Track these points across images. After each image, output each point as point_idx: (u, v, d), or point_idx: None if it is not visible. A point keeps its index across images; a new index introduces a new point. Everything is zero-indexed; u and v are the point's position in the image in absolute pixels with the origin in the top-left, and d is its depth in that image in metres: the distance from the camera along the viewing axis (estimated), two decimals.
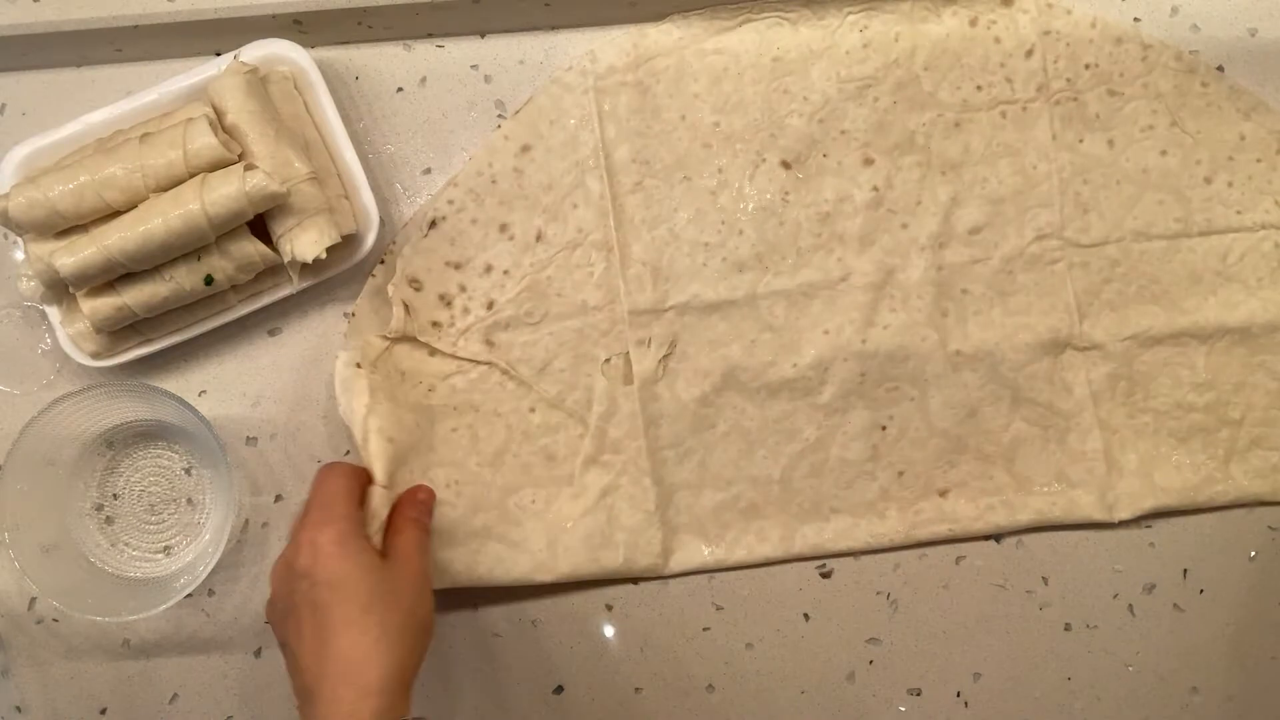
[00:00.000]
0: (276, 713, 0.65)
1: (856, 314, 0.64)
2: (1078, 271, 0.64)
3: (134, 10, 0.61)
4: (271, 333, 0.65)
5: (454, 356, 0.63)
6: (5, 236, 0.65)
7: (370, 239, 0.62)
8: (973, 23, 0.64)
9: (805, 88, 0.64)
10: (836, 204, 0.64)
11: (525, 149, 0.64)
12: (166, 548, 0.65)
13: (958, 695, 0.64)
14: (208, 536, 0.64)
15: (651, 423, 0.64)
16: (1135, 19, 0.65)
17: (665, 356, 0.64)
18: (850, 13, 0.64)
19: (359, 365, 0.61)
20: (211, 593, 0.65)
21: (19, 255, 0.65)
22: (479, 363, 0.64)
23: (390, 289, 0.63)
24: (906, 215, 0.64)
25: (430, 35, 0.66)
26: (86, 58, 0.65)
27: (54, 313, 0.62)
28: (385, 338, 0.63)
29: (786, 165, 0.64)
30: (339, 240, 0.59)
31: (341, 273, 0.63)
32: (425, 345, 0.63)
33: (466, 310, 0.63)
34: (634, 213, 0.64)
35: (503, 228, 0.64)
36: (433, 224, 0.63)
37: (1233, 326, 0.64)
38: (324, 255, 0.58)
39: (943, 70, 0.64)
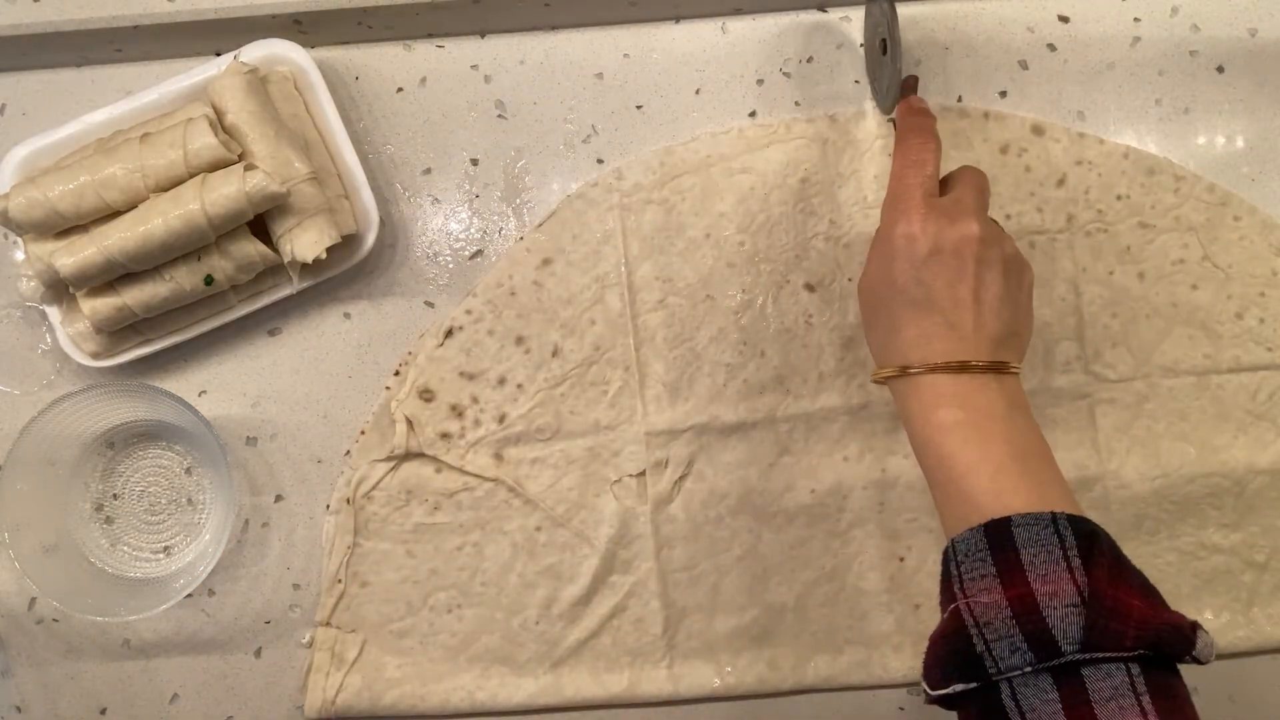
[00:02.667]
0: (276, 713, 0.65)
1: (877, 441, 0.63)
2: (1105, 407, 0.63)
3: (134, 10, 0.61)
4: (271, 333, 0.65)
5: (461, 471, 0.63)
6: (5, 236, 0.65)
7: (370, 239, 0.62)
8: (1003, 150, 0.63)
9: (832, 210, 0.63)
10: (859, 329, 0.62)
11: (546, 262, 0.63)
12: (166, 548, 0.65)
13: None
14: (208, 536, 0.64)
15: (664, 544, 0.63)
16: (1135, 19, 0.65)
17: (681, 477, 0.63)
18: (879, 137, 0.63)
19: (349, 501, 0.63)
20: (211, 593, 0.65)
21: (19, 255, 0.65)
22: (486, 479, 0.63)
23: (393, 405, 0.63)
24: None
25: (430, 35, 0.66)
26: (86, 58, 0.65)
27: (54, 313, 0.62)
28: (390, 457, 0.63)
29: (811, 288, 0.63)
30: (339, 240, 0.59)
31: (341, 273, 0.63)
32: (432, 461, 0.63)
33: (478, 423, 0.63)
34: (655, 331, 0.63)
35: (519, 340, 0.63)
36: (449, 333, 0.63)
37: (1263, 467, 0.62)
38: (324, 255, 0.59)
39: None
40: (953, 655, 0.42)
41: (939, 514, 0.48)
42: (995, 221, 0.52)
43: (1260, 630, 0.63)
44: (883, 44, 0.58)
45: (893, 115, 0.62)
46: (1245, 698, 0.64)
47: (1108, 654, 0.40)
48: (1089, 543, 0.42)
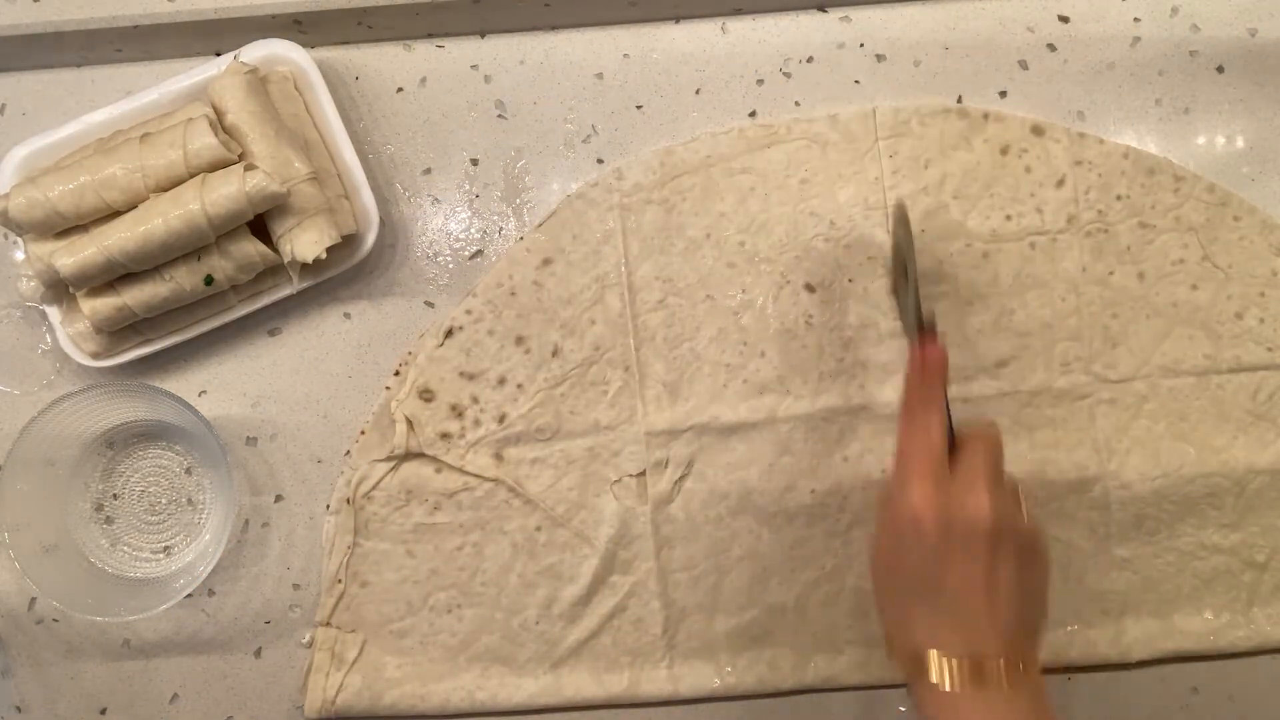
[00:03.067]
0: (276, 713, 0.65)
1: (876, 442, 0.63)
2: (1106, 407, 0.63)
3: (134, 10, 0.61)
4: (271, 333, 0.65)
5: (461, 471, 0.63)
6: (5, 236, 0.65)
7: (370, 239, 0.62)
8: (1004, 151, 0.63)
9: (832, 211, 0.63)
10: (860, 330, 0.63)
11: (546, 262, 0.63)
12: (166, 548, 0.65)
13: None
14: (208, 536, 0.64)
15: (664, 544, 0.63)
16: (1135, 19, 0.65)
17: (681, 478, 0.63)
18: (880, 138, 0.63)
19: (349, 501, 0.63)
20: (211, 593, 0.65)
21: (19, 255, 0.65)
22: (486, 479, 0.63)
23: (394, 405, 0.63)
24: None
25: (430, 35, 0.66)
26: (86, 58, 0.65)
27: (54, 313, 0.62)
28: (390, 457, 0.63)
29: (811, 288, 0.63)
30: (339, 240, 0.59)
31: (341, 273, 0.63)
32: (432, 461, 0.63)
33: (478, 423, 0.63)
34: (655, 331, 0.63)
35: (519, 340, 0.63)
36: (449, 333, 0.63)
37: (1262, 467, 0.62)
38: (324, 255, 0.59)
39: (972, 199, 0.63)
40: None
41: None
42: (1012, 490, 0.50)
43: (1260, 630, 0.63)
44: (904, 268, 0.58)
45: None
46: (1245, 698, 0.64)
47: None
48: None
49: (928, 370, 0.52)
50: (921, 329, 0.54)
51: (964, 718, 0.46)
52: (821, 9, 0.66)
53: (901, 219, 0.58)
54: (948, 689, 0.46)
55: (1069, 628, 0.63)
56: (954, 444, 0.51)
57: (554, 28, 0.66)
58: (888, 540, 0.50)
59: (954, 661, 0.46)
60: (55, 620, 0.65)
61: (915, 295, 0.56)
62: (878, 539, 0.51)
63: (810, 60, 0.65)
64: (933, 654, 0.47)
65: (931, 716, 0.47)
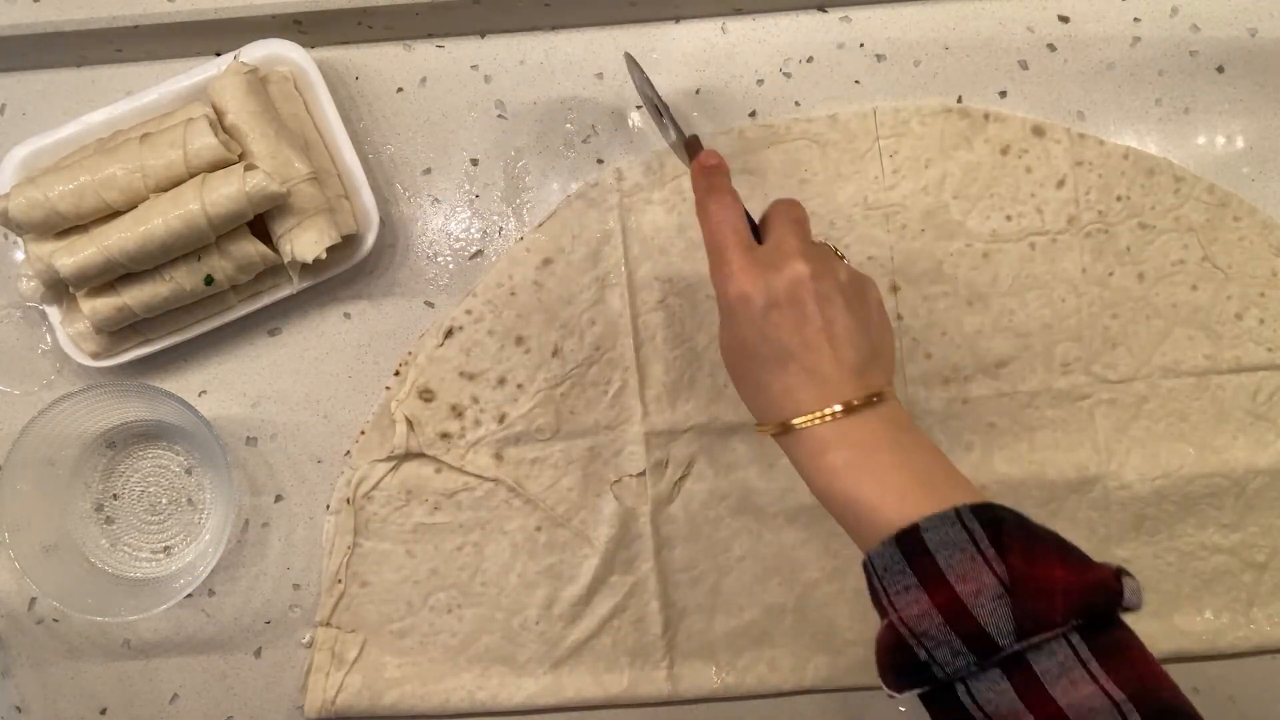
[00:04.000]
0: (276, 713, 0.65)
1: None
2: (1106, 408, 0.63)
3: (134, 10, 0.61)
4: (271, 333, 0.65)
5: (461, 471, 0.63)
6: (5, 236, 0.65)
7: (370, 239, 0.62)
8: (1004, 151, 0.63)
9: (831, 211, 0.63)
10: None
11: (547, 262, 0.63)
12: (166, 548, 0.65)
13: None
14: (208, 536, 0.64)
15: (664, 545, 0.63)
16: (1135, 19, 0.65)
17: (681, 478, 0.63)
18: (880, 138, 0.63)
19: (349, 501, 0.63)
20: (211, 593, 0.65)
21: (19, 255, 0.65)
22: (486, 479, 0.63)
23: (394, 405, 0.63)
24: (931, 345, 0.63)
25: (430, 35, 0.66)
26: (86, 58, 0.65)
27: (54, 313, 0.62)
28: (390, 457, 0.63)
29: None
30: (339, 240, 0.59)
31: (341, 273, 0.63)
32: (432, 461, 0.63)
33: (478, 423, 0.63)
34: (655, 331, 0.63)
35: (519, 340, 0.63)
36: (449, 333, 0.63)
37: (1262, 467, 0.62)
38: (324, 255, 0.58)
39: (972, 199, 0.63)
40: (900, 664, 0.43)
41: (862, 550, 0.47)
42: (823, 246, 0.51)
43: (1260, 630, 0.63)
44: (655, 108, 0.58)
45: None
46: (1245, 698, 0.64)
47: (1044, 634, 0.40)
48: (997, 528, 0.42)
49: (708, 169, 0.53)
50: (691, 151, 0.54)
51: (835, 461, 0.46)
52: (821, 9, 0.66)
53: (631, 64, 0.58)
54: (816, 440, 0.47)
55: None
56: (758, 231, 0.52)
57: (554, 28, 0.66)
58: (725, 326, 0.50)
59: (814, 414, 0.47)
60: (55, 620, 0.65)
61: (674, 127, 0.56)
62: (720, 329, 0.51)
63: (810, 60, 0.65)
64: (791, 412, 0.47)
65: (807, 465, 0.48)
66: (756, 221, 0.52)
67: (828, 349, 0.48)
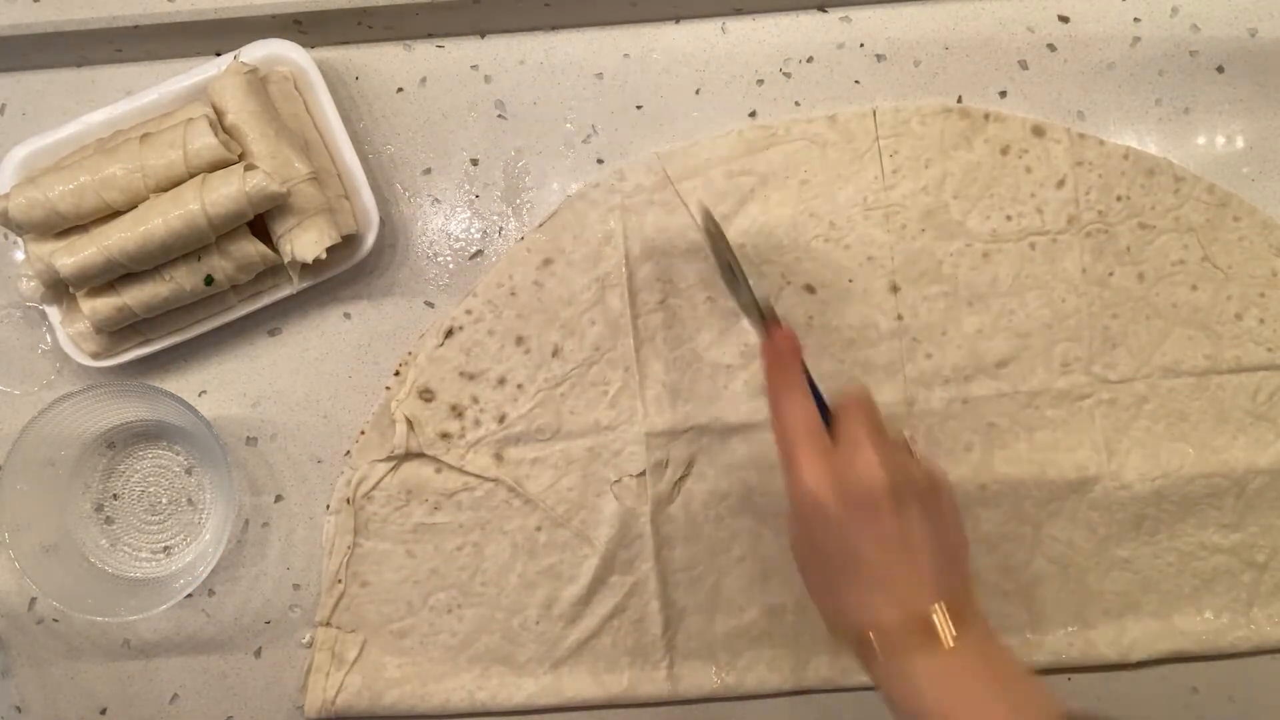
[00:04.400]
0: (276, 713, 0.65)
1: None
2: (1106, 408, 0.63)
3: (134, 10, 0.61)
4: (271, 333, 0.65)
5: (461, 471, 0.63)
6: (5, 236, 0.65)
7: (370, 239, 0.62)
8: (1004, 151, 0.63)
9: (832, 211, 0.63)
10: (860, 330, 0.63)
11: (547, 262, 0.63)
12: (166, 548, 0.65)
13: None
14: (208, 536, 0.64)
15: (664, 545, 0.63)
16: (1135, 19, 0.65)
17: (681, 478, 0.63)
18: (880, 138, 0.63)
19: (349, 501, 0.63)
20: (211, 593, 0.65)
21: (19, 255, 0.65)
22: (486, 479, 0.63)
23: (394, 405, 0.63)
24: (931, 345, 0.63)
25: (430, 35, 0.66)
26: (86, 58, 0.65)
27: (54, 313, 0.62)
28: (390, 457, 0.63)
29: (811, 289, 0.63)
30: (339, 240, 0.59)
31: (341, 273, 0.63)
32: (432, 461, 0.63)
33: (478, 423, 0.63)
34: (655, 331, 0.63)
35: (519, 340, 0.63)
36: (449, 333, 0.63)
37: (1262, 467, 0.62)
38: (324, 255, 0.59)
39: (972, 199, 0.63)
40: None
41: None
42: (897, 443, 0.50)
43: (1260, 630, 0.63)
44: (728, 266, 0.57)
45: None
46: (1245, 698, 0.64)
47: None
48: None
49: (781, 355, 0.51)
50: (764, 319, 0.53)
51: (920, 681, 0.45)
52: (821, 9, 0.66)
53: (708, 218, 0.57)
54: (897, 658, 0.45)
55: (1069, 628, 0.63)
56: (829, 418, 0.50)
57: (554, 28, 0.66)
58: (798, 530, 0.49)
59: (894, 630, 0.46)
60: (55, 620, 0.65)
61: (748, 289, 0.55)
62: (791, 533, 0.51)
63: (810, 60, 0.65)
64: (867, 621, 0.46)
65: (892, 691, 0.46)
66: (826, 400, 0.51)
67: (904, 559, 0.46)
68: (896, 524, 0.47)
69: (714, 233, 0.57)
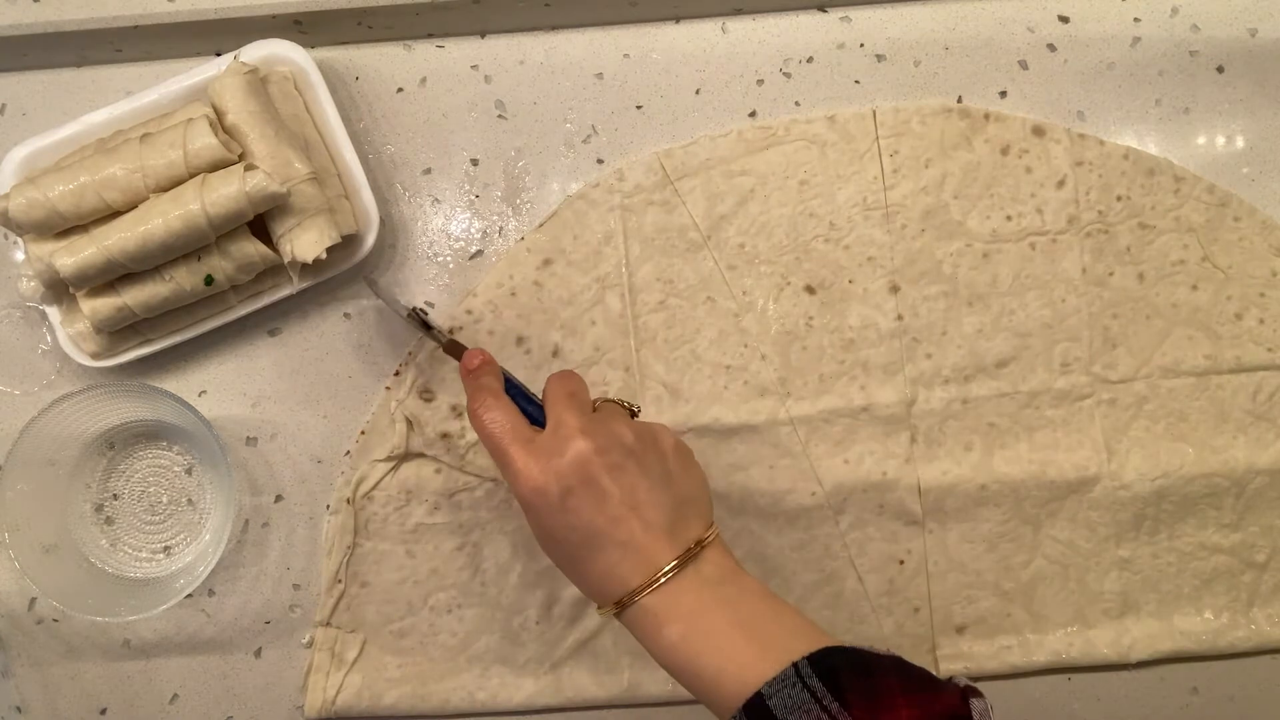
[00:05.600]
0: (276, 713, 0.65)
1: (877, 445, 0.63)
2: (1105, 408, 0.63)
3: (134, 10, 0.61)
4: (271, 333, 0.65)
5: (461, 471, 0.63)
6: (5, 236, 0.65)
7: (370, 239, 0.62)
8: (1004, 151, 0.63)
9: (831, 212, 0.63)
10: (860, 331, 0.63)
11: (547, 262, 0.63)
12: (166, 548, 0.65)
13: None
14: (208, 536, 0.64)
15: None
16: (1135, 19, 0.65)
17: None
18: (880, 137, 0.63)
19: (349, 501, 0.63)
20: (211, 593, 0.65)
21: (19, 255, 0.65)
22: (486, 479, 0.63)
23: (394, 405, 0.63)
24: (931, 345, 0.63)
25: (430, 35, 0.66)
26: (86, 58, 0.65)
27: (54, 313, 0.62)
28: (390, 457, 0.63)
29: (811, 290, 0.63)
30: (339, 240, 0.59)
31: (341, 273, 0.63)
32: (433, 461, 0.63)
33: None
34: (655, 332, 0.63)
35: (519, 341, 0.63)
36: (450, 333, 0.63)
37: (1262, 467, 0.63)
38: (324, 255, 0.58)
39: (972, 199, 0.63)
40: None
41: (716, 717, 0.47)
42: (606, 409, 0.51)
43: (1260, 630, 0.63)
44: (416, 319, 0.58)
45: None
46: (1245, 698, 0.64)
47: None
48: (834, 679, 0.42)
49: (473, 371, 0.53)
50: (454, 351, 0.56)
51: (669, 631, 0.46)
52: (821, 9, 0.66)
53: (372, 284, 0.61)
54: (649, 613, 0.46)
55: (1069, 628, 0.63)
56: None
57: (554, 28, 0.66)
58: (532, 525, 0.50)
59: (640, 590, 0.47)
60: (55, 620, 0.65)
61: (433, 334, 0.57)
62: (531, 529, 0.51)
63: (810, 60, 0.65)
64: (619, 590, 0.47)
65: (648, 644, 0.47)
66: (537, 399, 0.53)
67: (633, 518, 0.47)
68: (616, 487, 0.48)
69: (388, 295, 0.60)
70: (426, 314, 0.58)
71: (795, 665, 0.43)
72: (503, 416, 0.50)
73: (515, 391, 0.53)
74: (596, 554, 0.48)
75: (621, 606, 0.47)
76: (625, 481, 0.48)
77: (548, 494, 0.48)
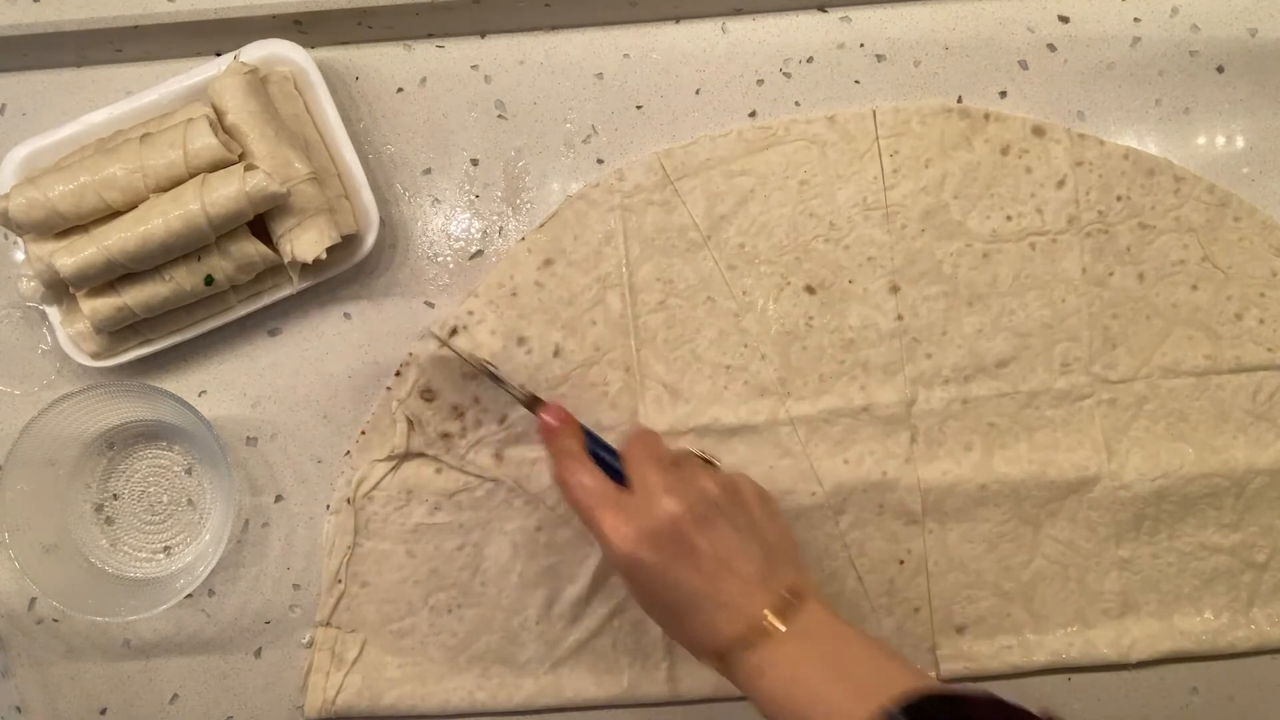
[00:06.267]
0: (276, 713, 0.65)
1: (877, 445, 0.63)
2: (1106, 408, 0.63)
3: (134, 10, 0.61)
4: (271, 333, 0.65)
5: (462, 471, 0.63)
6: (5, 236, 0.65)
7: (370, 239, 0.62)
8: (1004, 151, 0.63)
9: (831, 212, 0.63)
10: (860, 331, 0.63)
11: (548, 263, 0.63)
12: (166, 548, 0.65)
13: None
14: (208, 536, 0.64)
15: None
16: (1135, 19, 0.65)
17: None
18: (880, 137, 0.63)
19: (349, 501, 0.63)
20: (211, 593, 0.65)
21: (19, 255, 0.65)
22: (486, 479, 0.63)
23: (395, 405, 0.63)
24: (931, 345, 0.63)
25: (430, 35, 0.66)
26: (86, 58, 0.65)
27: (54, 313, 0.62)
28: (391, 457, 0.63)
29: (811, 290, 0.63)
30: (339, 240, 0.59)
31: (341, 273, 0.63)
32: (433, 461, 0.63)
33: (479, 423, 0.63)
34: (655, 332, 0.63)
35: (520, 341, 0.63)
36: (452, 333, 0.63)
37: (1262, 467, 0.62)
38: (324, 255, 0.59)
39: (972, 199, 0.63)
40: None
41: None
42: (684, 462, 0.52)
43: (1260, 630, 0.63)
44: (488, 374, 0.59)
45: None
46: (1245, 698, 0.64)
47: None
48: None
49: (553, 430, 0.55)
50: (532, 406, 0.57)
51: (766, 680, 0.47)
52: (821, 9, 0.66)
53: (441, 340, 0.62)
54: (746, 666, 0.47)
55: (1069, 628, 0.63)
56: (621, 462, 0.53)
57: (554, 28, 0.66)
58: (627, 584, 0.51)
59: (739, 643, 0.47)
60: (55, 620, 0.65)
61: (508, 388, 0.58)
62: (627, 586, 0.52)
63: (810, 60, 0.65)
64: (719, 645, 0.48)
65: (751, 694, 0.48)
66: (615, 448, 0.54)
67: (727, 574, 0.48)
68: (708, 544, 0.49)
69: (466, 353, 0.61)
70: (497, 369, 0.59)
71: (888, 712, 0.43)
72: (590, 481, 0.51)
73: (594, 443, 0.54)
74: (694, 611, 0.48)
75: (721, 659, 0.48)
76: (715, 536, 0.49)
77: (642, 561, 0.49)
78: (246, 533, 0.65)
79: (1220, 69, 0.65)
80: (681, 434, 0.63)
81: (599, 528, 0.50)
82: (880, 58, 0.65)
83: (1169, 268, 0.63)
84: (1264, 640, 0.63)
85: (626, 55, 0.66)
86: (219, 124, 0.59)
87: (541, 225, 0.64)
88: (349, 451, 0.64)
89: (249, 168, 0.57)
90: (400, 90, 0.66)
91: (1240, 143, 0.65)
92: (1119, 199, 0.63)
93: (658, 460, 0.51)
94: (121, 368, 0.63)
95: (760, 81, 0.65)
